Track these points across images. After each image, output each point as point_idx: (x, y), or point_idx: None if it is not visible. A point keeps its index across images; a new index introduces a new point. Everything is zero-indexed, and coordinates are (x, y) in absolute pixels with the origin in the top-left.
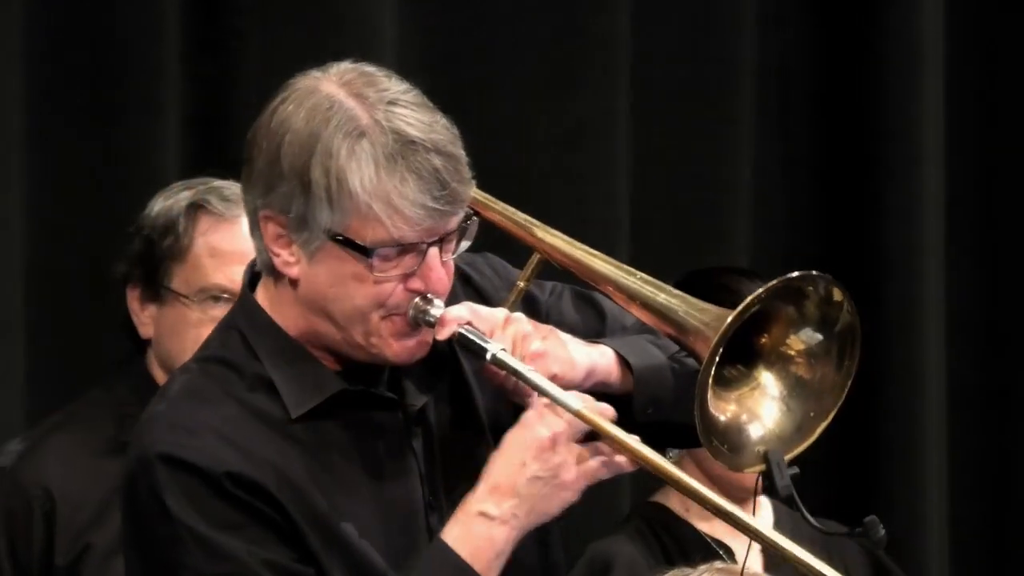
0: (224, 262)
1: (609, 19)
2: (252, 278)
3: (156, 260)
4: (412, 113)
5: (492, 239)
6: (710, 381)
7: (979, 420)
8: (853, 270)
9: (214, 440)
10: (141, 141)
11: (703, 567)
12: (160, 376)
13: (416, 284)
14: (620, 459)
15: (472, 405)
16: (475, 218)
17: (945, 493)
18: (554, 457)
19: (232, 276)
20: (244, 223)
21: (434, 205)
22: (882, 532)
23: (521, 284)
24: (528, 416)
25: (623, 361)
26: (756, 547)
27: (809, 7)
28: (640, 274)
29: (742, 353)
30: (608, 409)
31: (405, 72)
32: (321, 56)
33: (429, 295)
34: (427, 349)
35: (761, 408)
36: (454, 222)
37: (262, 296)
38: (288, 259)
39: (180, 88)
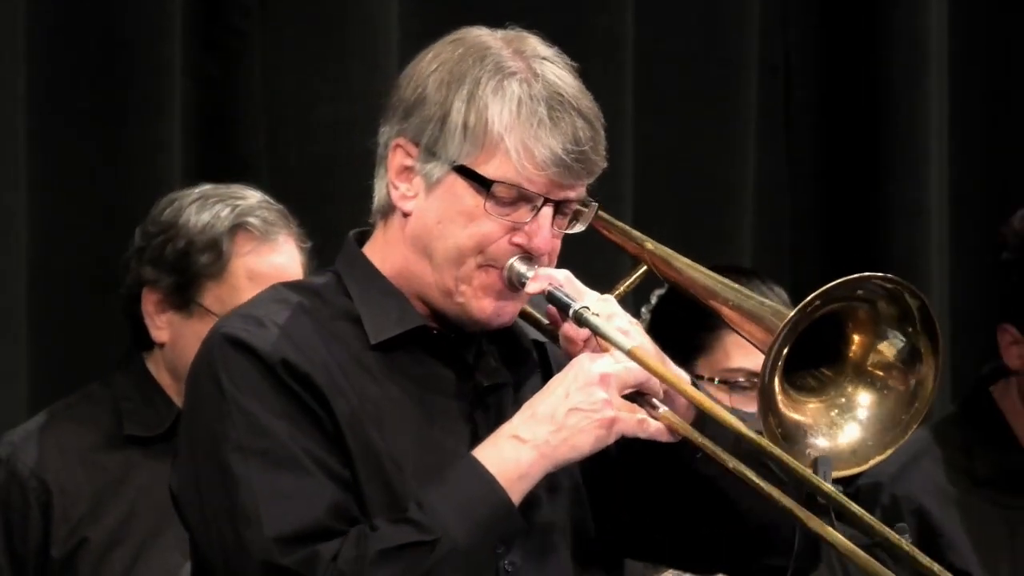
0: (260, 284)
1: (613, 19)
2: (359, 235)
3: (190, 274)
4: (565, 75)
5: (597, 249)
6: (779, 367)
7: None
8: (857, 270)
9: (279, 334)
10: (144, 141)
11: None
12: (164, 378)
13: (521, 238)
14: (660, 426)
15: None
16: (595, 205)
17: None
18: (599, 393)
19: None
20: (281, 243)
21: (564, 156)
22: (907, 540)
23: (622, 288)
24: (580, 356)
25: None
26: None
27: (813, 7)
28: (734, 284)
29: (831, 365)
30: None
31: None
32: (324, 57)
33: (530, 258)
34: (512, 316)
35: (830, 420)
36: (576, 191)
37: (369, 246)
38: (406, 193)
39: (183, 88)
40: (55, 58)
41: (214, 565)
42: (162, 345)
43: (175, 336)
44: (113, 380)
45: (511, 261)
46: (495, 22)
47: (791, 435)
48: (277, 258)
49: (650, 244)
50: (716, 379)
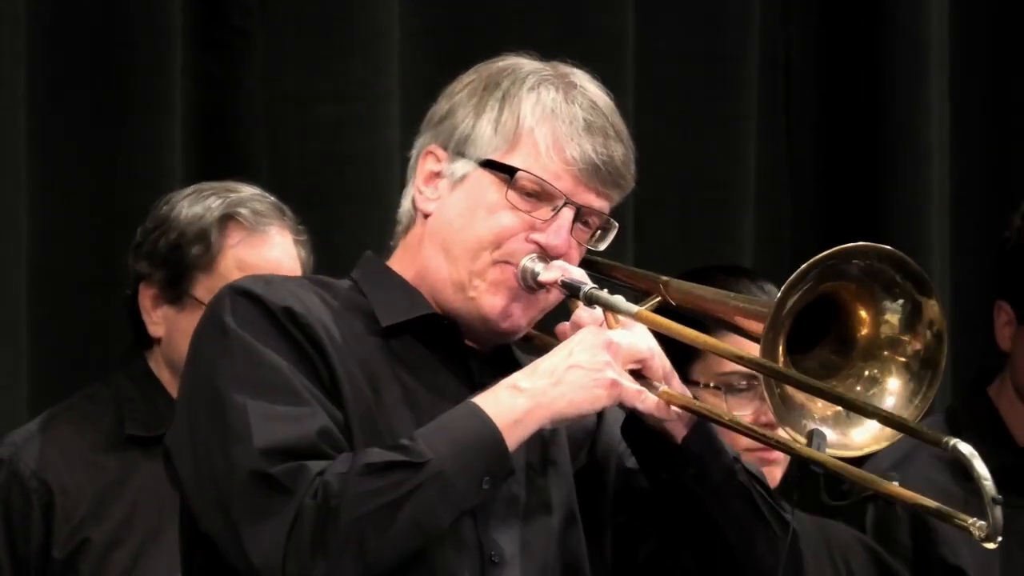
0: None
1: (613, 18)
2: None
3: (182, 266)
4: (604, 96)
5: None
6: (783, 334)
7: None
8: None
9: (286, 293)
10: (146, 141)
11: None
12: (164, 374)
13: (538, 236)
14: (659, 401)
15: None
16: (616, 226)
17: None
18: (603, 355)
19: None
20: (273, 235)
21: (592, 156)
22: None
23: (635, 310)
24: (589, 326)
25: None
26: None
27: (814, 7)
28: (736, 294)
29: (839, 351)
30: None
31: (410, 72)
32: (325, 57)
33: (545, 258)
34: (521, 323)
35: (836, 415)
36: (600, 201)
37: (389, 260)
38: (430, 196)
39: (183, 88)
40: (55, 58)
41: (206, 509)
42: (159, 341)
43: (170, 330)
44: (115, 380)
45: (525, 259)
46: (495, 22)
47: (791, 403)
48: (269, 251)
49: (665, 278)
50: (712, 383)
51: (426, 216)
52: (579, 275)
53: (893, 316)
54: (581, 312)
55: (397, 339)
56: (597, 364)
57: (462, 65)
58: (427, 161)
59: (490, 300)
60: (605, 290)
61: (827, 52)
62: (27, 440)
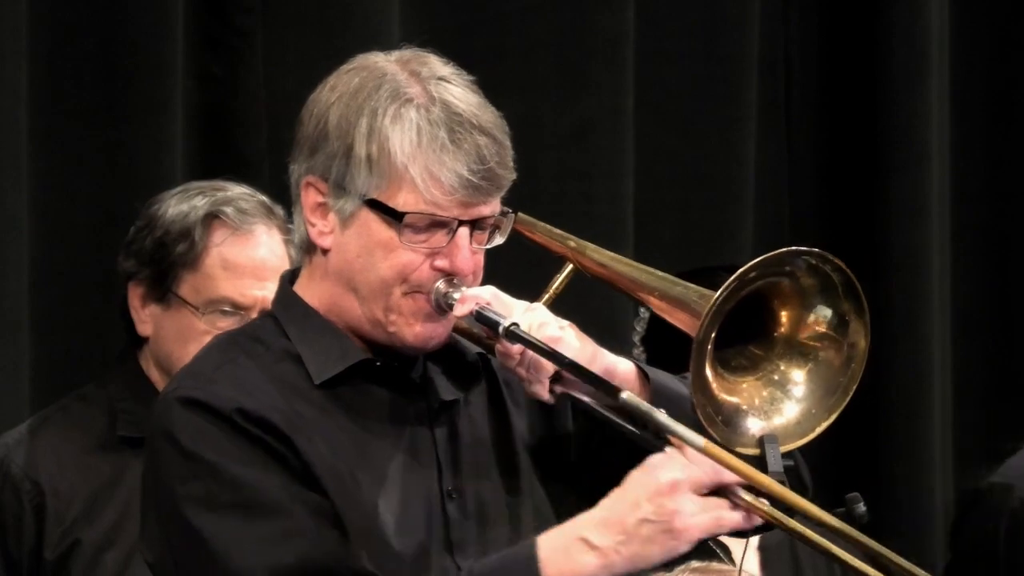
0: (235, 275)
1: (615, 18)
2: (291, 274)
3: (167, 264)
4: (462, 92)
5: (526, 255)
6: (708, 350)
7: (984, 419)
8: (858, 269)
9: (230, 386)
10: (147, 140)
11: (679, 568)
12: (155, 374)
13: (442, 263)
14: (740, 515)
15: (504, 412)
16: (512, 215)
17: (951, 494)
18: (670, 503)
19: (242, 290)
20: (259, 234)
21: (470, 177)
22: (863, 508)
23: (551, 291)
24: (654, 458)
25: (644, 377)
26: (753, 545)
27: (814, 6)
28: (659, 272)
29: (760, 343)
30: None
31: None
32: (326, 56)
33: (454, 279)
34: (445, 337)
35: (767, 398)
36: (489, 207)
37: (299, 284)
38: (323, 229)
39: (185, 88)
40: (57, 57)
41: None
42: (147, 339)
43: (156, 328)
44: (108, 380)
45: (436, 284)
46: (496, 22)
47: (730, 420)
48: (254, 251)
49: (572, 242)
50: None
51: (324, 251)
52: (491, 296)
53: (818, 318)
54: (503, 346)
55: (342, 385)
56: (666, 515)
57: (462, 65)
58: (309, 193)
59: (411, 330)
60: (523, 326)
61: (827, 52)
62: (19, 441)
